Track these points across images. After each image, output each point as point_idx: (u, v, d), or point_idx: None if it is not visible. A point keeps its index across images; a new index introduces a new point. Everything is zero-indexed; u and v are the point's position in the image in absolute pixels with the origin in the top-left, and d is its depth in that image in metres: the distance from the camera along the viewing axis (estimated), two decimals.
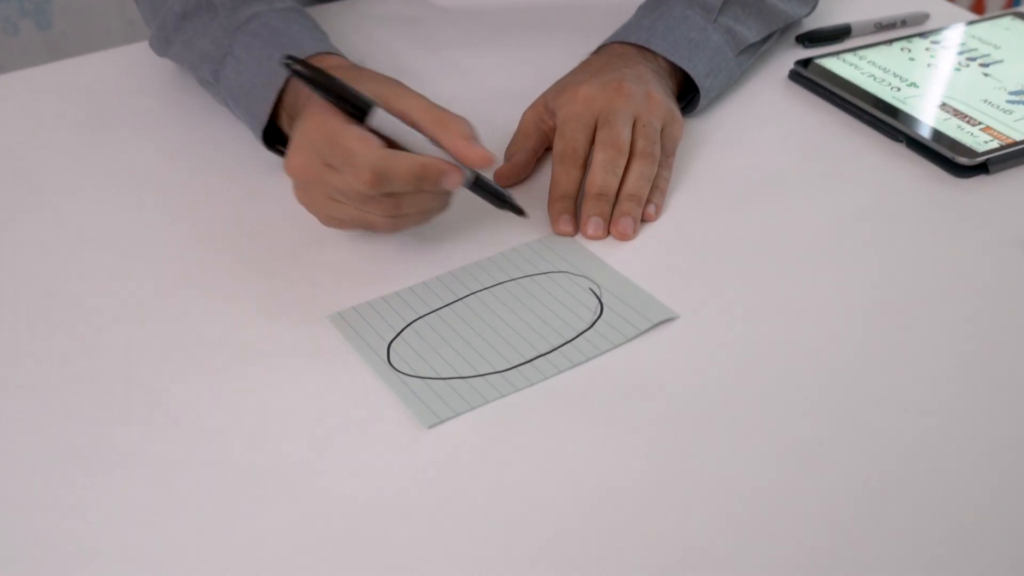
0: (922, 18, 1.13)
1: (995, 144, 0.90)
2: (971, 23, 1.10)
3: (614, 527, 0.61)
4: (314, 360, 0.73)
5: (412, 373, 0.71)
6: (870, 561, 0.59)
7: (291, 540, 0.61)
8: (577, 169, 0.84)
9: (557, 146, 0.85)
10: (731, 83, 0.99)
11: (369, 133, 0.72)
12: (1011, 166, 0.90)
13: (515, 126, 0.92)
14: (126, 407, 0.69)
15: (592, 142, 0.85)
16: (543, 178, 0.88)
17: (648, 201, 0.84)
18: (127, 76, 1.04)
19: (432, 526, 0.62)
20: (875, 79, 0.99)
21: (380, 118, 0.73)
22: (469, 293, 0.78)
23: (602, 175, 0.82)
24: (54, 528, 0.62)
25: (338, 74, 0.75)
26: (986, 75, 1.00)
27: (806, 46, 1.08)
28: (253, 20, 0.88)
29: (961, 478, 0.64)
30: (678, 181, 0.89)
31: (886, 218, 0.85)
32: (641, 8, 0.98)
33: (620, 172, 0.83)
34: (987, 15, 1.13)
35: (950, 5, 1.17)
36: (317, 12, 1.11)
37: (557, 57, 0.98)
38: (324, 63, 0.82)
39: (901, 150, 0.93)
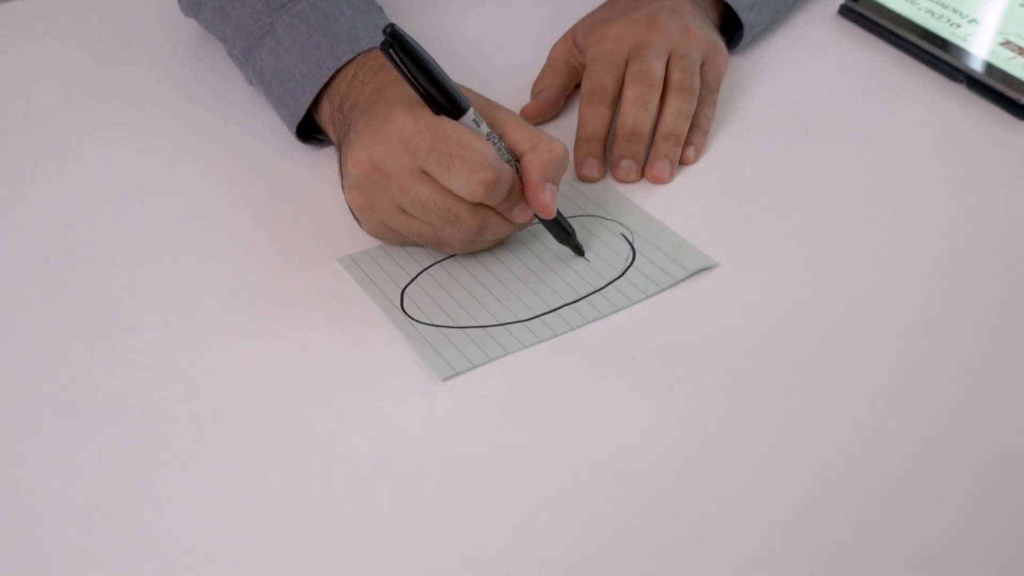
0: None
1: None
2: None
3: (645, 493, 0.56)
4: (321, 306, 0.67)
5: (427, 321, 0.66)
6: (924, 529, 0.54)
7: (292, 501, 0.56)
8: (606, 108, 0.78)
9: (585, 85, 0.79)
10: (777, 18, 0.92)
11: (481, 134, 0.63)
12: None
13: (523, 63, 0.85)
14: (118, 352, 0.65)
15: (623, 82, 0.78)
16: (573, 118, 0.82)
17: (687, 142, 0.78)
18: (137, 5, 0.99)
19: (446, 489, 0.56)
20: (932, 14, 0.92)
21: (472, 120, 0.64)
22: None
23: (633, 112, 0.76)
24: (43, 483, 0.57)
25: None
26: None
27: None
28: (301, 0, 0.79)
29: None
30: (721, 121, 0.82)
31: (943, 164, 0.79)
32: None
33: (653, 108, 0.76)
34: None
35: None
36: None
37: None
38: (380, 61, 0.72)
39: (960, 91, 0.86)
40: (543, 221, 0.67)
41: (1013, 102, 0.82)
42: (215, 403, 0.61)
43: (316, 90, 0.74)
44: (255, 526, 0.55)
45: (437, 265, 0.70)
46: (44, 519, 0.55)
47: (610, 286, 0.68)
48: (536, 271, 0.69)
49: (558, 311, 0.66)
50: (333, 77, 0.74)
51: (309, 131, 0.78)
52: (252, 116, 0.84)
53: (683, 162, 0.78)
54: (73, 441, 0.59)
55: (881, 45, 0.92)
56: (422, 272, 0.69)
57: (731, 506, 0.55)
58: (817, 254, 0.70)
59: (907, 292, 0.67)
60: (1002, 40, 0.89)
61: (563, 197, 0.75)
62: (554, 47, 0.85)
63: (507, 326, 0.65)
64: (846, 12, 0.95)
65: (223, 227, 0.74)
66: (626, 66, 0.78)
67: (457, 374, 0.62)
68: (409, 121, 0.62)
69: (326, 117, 0.75)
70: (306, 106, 0.75)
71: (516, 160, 0.65)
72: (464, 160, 0.61)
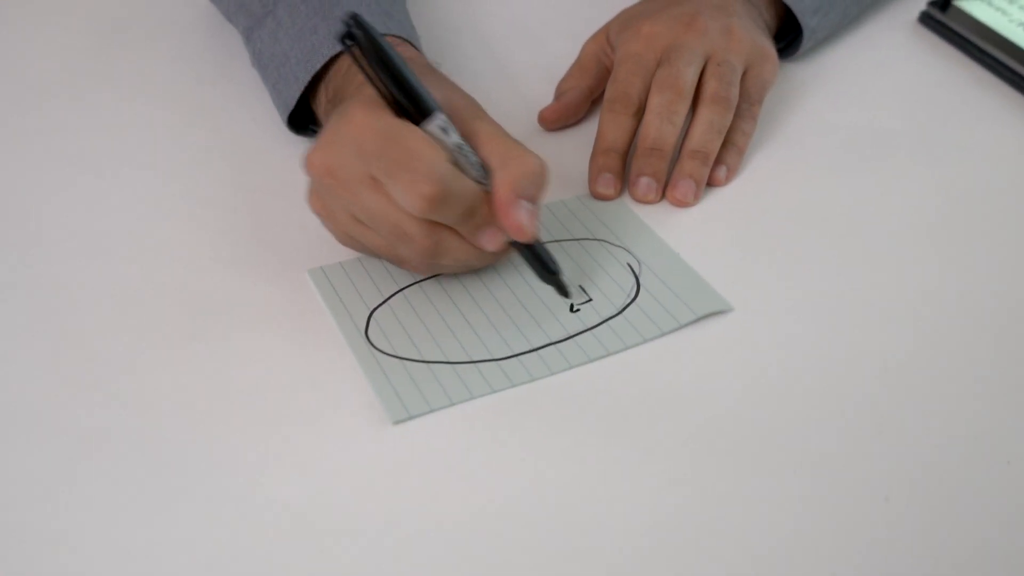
0: None
1: None
2: None
3: None
4: (278, 322, 0.60)
5: (391, 352, 0.58)
6: None
7: (206, 546, 0.49)
8: (628, 117, 0.69)
9: (608, 90, 0.70)
10: (846, 23, 0.82)
11: (436, 140, 0.55)
12: None
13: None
14: (46, 355, 0.58)
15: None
16: (595, 125, 0.73)
17: (719, 160, 0.69)
18: None
19: (370, 555, 0.49)
20: None
21: (440, 127, 0.55)
22: None
23: (656, 123, 0.67)
24: None
25: None
26: None
27: None
28: None
29: None
30: (762, 138, 0.73)
31: (1020, 206, 0.68)
32: None
33: (679, 121, 0.67)
34: None
35: None
36: None
37: None
38: None
39: None
40: (521, 252, 0.59)
41: None
42: (134, 424, 0.54)
43: (308, 78, 0.67)
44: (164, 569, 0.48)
45: (415, 286, 0.62)
46: None
47: (604, 325, 0.59)
48: (524, 301, 0.61)
49: (539, 351, 0.58)
50: (329, 65, 0.67)
51: (308, 121, 0.71)
52: (254, 101, 0.77)
53: (712, 183, 0.69)
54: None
55: (964, 60, 0.81)
56: (396, 293, 0.61)
57: None
58: (850, 306, 0.61)
59: (950, 362, 0.57)
60: None
61: (571, 215, 0.67)
62: (586, 44, 0.76)
63: (478, 364, 0.57)
64: (927, 20, 0.84)
65: (194, 222, 0.67)
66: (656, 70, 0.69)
67: (411, 418, 0.55)
68: (364, 122, 0.54)
69: (322, 109, 0.68)
70: (297, 95, 0.67)
71: (490, 178, 0.57)
72: (409, 169, 0.53)
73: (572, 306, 0.60)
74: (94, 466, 0.52)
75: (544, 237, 0.65)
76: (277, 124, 0.72)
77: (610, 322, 0.59)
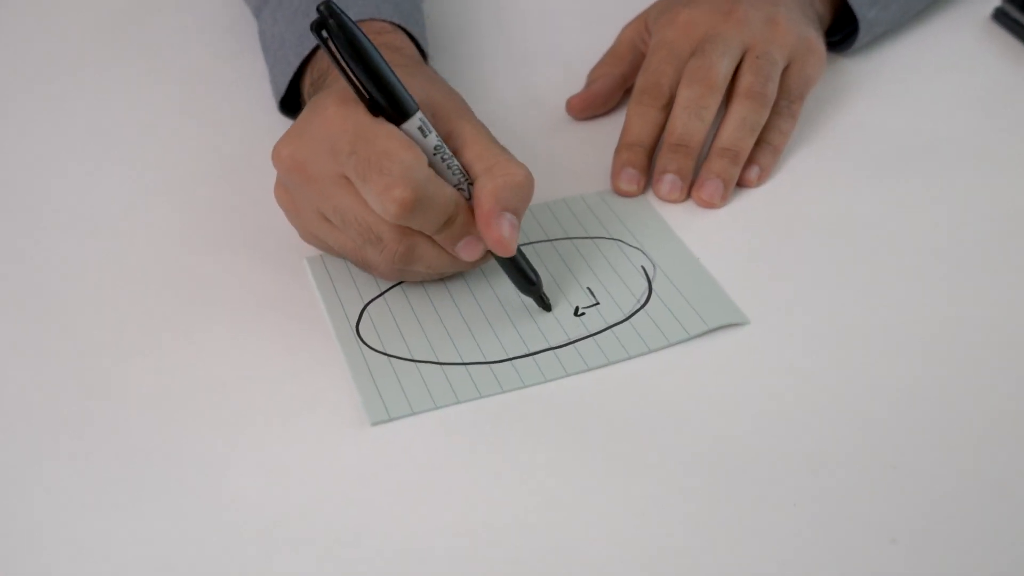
0: None
1: None
2: None
3: None
4: (269, 310, 0.57)
5: (379, 349, 0.55)
6: None
7: (165, 543, 0.47)
8: (657, 110, 0.64)
9: (638, 80, 0.66)
10: (909, 17, 0.76)
11: (413, 142, 0.51)
12: None
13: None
14: (24, 332, 0.56)
15: None
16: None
17: (751, 160, 0.64)
18: None
19: (332, 560, 0.46)
20: None
21: (418, 128, 0.52)
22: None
23: (683, 118, 0.63)
24: None
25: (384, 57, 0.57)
26: None
27: None
28: None
29: None
30: (803, 139, 0.68)
31: None
32: None
33: (708, 116, 0.63)
34: None
35: None
36: None
37: None
38: (376, 40, 0.61)
39: None
40: (500, 262, 0.55)
41: None
42: (104, 411, 0.52)
43: (297, 62, 0.64)
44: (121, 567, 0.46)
45: (414, 282, 0.59)
46: None
47: (608, 331, 0.55)
48: (527, 302, 0.57)
49: (535, 356, 0.54)
50: (317, 48, 0.64)
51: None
52: (263, 81, 0.74)
53: (743, 184, 0.64)
54: None
55: None
56: (394, 287, 0.58)
57: None
58: (878, 331, 0.55)
59: (979, 400, 0.52)
60: None
61: (588, 211, 0.63)
62: (624, 29, 0.72)
63: (469, 367, 0.54)
64: (1002, 18, 0.78)
65: (194, 204, 0.64)
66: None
67: (391, 420, 0.52)
68: (337, 117, 0.51)
69: (306, 94, 0.65)
70: (287, 79, 0.64)
71: (470, 184, 0.53)
72: (382, 171, 0.49)
73: (577, 309, 0.57)
74: (58, 452, 0.51)
75: (556, 233, 0.61)
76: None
77: (615, 329, 0.56)
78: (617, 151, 0.65)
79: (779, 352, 0.54)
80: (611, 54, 0.71)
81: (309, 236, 0.57)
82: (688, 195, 0.63)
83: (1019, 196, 0.64)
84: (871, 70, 0.74)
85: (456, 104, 0.54)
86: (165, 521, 0.48)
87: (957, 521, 0.47)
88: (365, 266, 0.56)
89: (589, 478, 0.49)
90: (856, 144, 0.68)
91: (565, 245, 0.61)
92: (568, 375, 0.53)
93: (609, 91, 0.70)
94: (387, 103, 0.50)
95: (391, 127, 0.50)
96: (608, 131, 0.68)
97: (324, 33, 0.49)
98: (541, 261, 0.59)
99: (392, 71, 0.50)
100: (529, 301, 0.57)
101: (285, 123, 0.68)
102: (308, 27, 0.61)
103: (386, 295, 0.58)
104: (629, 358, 0.54)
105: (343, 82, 0.51)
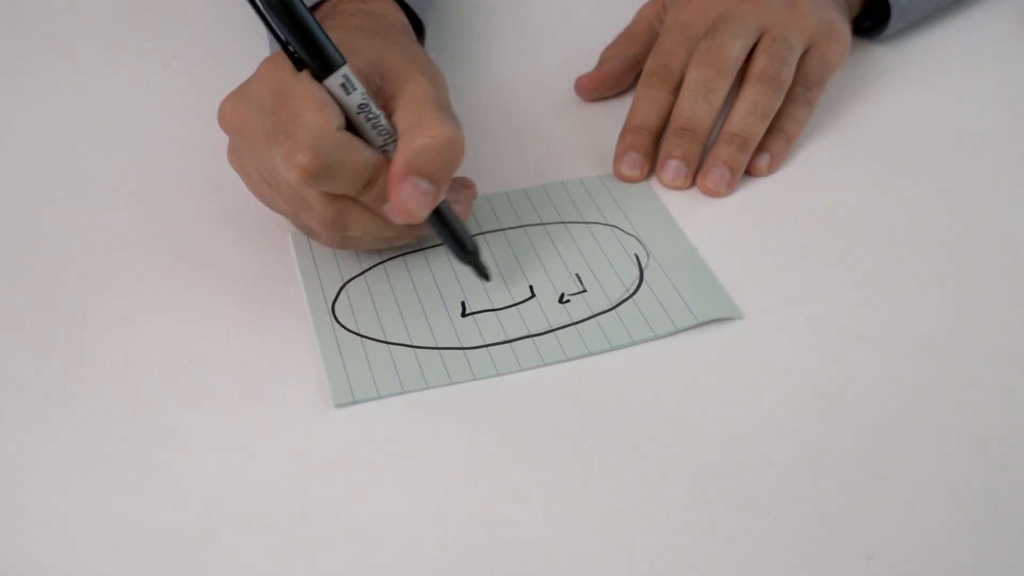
0: None
1: None
2: None
3: None
4: (248, 284, 0.56)
5: (352, 328, 0.53)
6: None
7: (115, 516, 0.45)
8: (665, 93, 0.61)
9: (648, 62, 0.63)
10: (944, 5, 0.72)
11: (333, 101, 0.48)
12: None
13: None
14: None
15: None
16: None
17: (762, 147, 0.61)
18: None
19: (282, 541, 0.44)
20: None
21: (340, 85, 0.48)
22: (477, 232, 0.58)
23: (690, 101, 0.60)
24: None
25: (348, 20, 0.54)
26: None
27: None
28: None
29: None
30: (820, 128, 0.64)
31: None
32: None
33: (716, 100, 0.60)
34: None
35: None
36: None
37: None
38: (359, 7, 0.58)
39: None
40: (432, 227, 0.52)
41: None
42: (65, 377, 0.51)
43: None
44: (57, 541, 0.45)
45: (398, 258, 0.57)
46: None
47: (592, 320, 0.53)
48: (510, 286, 0.55)
49: (512, 343, 0.52)
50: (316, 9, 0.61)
51: None
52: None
53: (752, 172, 0.61)
54: None
55: None
56: (377, 264, 0.56)
57: None
58: (880, 334, 0.52)
59: (983, 416, 0.48)
60: None
61: (586, 195, 0.60)
62: (642, 8, 0.69)
63: (442, 351, 0.52)
64: None
65: (189, 173, 0.63)
66: None
67: (356, 402, 0.50)
68: (266, 75, 0.49)
69: None
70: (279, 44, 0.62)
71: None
72: (288, 134, 0.47)
73: (562, 296, 0.54)
74: (18, 418, 0.49)
75: (549, 217, 0.59)
76: None
77: (599, 318, 0.53)
78: (622, 135, 0.62)
79: (771, 350, 0.51)
80: (626, 34, 0.69)
81: (260, 198, 0.55)
82: (693, 182, 0.60)
83: None
84: (901, 59, 0.70)
85: (410, 67, 0.51)
86: (117, 492, 0.46)
87: (941, 539, 0.43)
88: (308, 232, 0.54)
89: (556, 473, 0.46)
90: (878, 136, 0.64)
91: (558, 229, 0.58)
92: (545, 364, 0.51)
93: (620, 72, 0.67)
94: (308, 56, 0.47)
95: (311, 85, 0.48)
96: (617, 114, 0.65)
97: None
98: (531, 244, 0.57)
99: (317, 23, 0.47)
100: (522, 283, 0.54)
101: None
102: None
103: (367, 274, 0.56)
104: (611, 349, 0.52)
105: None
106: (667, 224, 0.58)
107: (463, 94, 0.67)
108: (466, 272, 0.55)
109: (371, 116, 0.49)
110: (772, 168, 0.61)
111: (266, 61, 0.49)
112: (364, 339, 0.52)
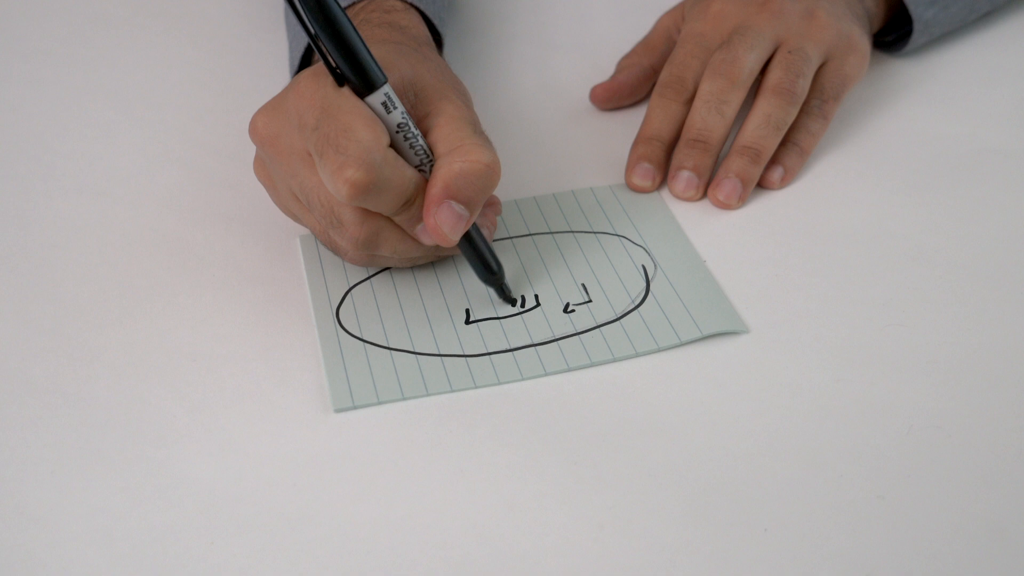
0: None
1: None
2: None
3: None
4: (253, 286, 0.56)
5: (356, 333, 0.53)
6: None
7: (111, 516, 0.45)
8: (679, 104, 0.61)
9: (663, 73, 0.63)
10: (972, 19, 0.71)
11: (378, 119, 0.48)
12: None
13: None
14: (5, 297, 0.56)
15: None
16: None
17: (775, 161, 0.60)
18: None
19: (271, 546, 0.44)
20: None
21: (381, 104, 0.48)
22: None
23: (703, 113, 0.59)
24: None
25: (375, 32, 0.54)
26: None
27: None
28: None
29: None
30: (834, 142, 0.64)
31: None
32: None
33: (729, 111, 0.59)
34: None
35: None
36: None
37: None
38: (383, 18, 0.58)
39: None
40: (460, 246, 0.52)
41: None
42: (68, 375, 0.51)
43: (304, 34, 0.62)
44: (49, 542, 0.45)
45: (404, 267, 0.56)
46: None
47: (596, 331, 0.52)
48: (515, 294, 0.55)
49: (515, 352, 0.52)
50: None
51: None
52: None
53: (764, 185, 0.60)
54: None
55: None
56: (382, 271, 0.56)
57: None
58: (888, 354, 0.51)
59: (994, 441, 0.48)
60: None
61: (596, 204, 0.60)
62: (661, 18, 0.69)
63: (444, 359, 0.51)
64: None
65: (200, 172, 0.63)
66: None
67: (355, 407, 0.49)
68: (308, 90, 0.48)
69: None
70: (300, 52, 0.62)
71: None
72: (339, 149, 0.46)
73: (567, 306, 0.54)
74: (21, 415, 0.50)
75: (558, 226, 0.58)
76: None
77: (603, 328, 0.53)
78: (634, 145, 0.61)
79: (776, 365, 0.51)
80: (644, 43, 0.68)
81: (287, 212, 0.55)
82: (704, 194, 0.60)
83: None
84: (923, 73, 0.69)
85: (444, 85, 0.51)
86: (115, 491, 0.46)
87: (938, 563, 0.43)
88: (334, 249, 0.54)
89: (553, 484, 0.46)
90: (895, 151, 0.63)
91: (566, 238, 0.58)
92: (547, 374, 0.51)
93: (636, 82, 0.66)
94: (352, 73, 0.47)
95: (357, 102, 0.48)
96: (631, 123, 0.65)
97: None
98: (539, 253, 0.57)
99: (361, 40, 0.47)
100: (527, 291, 0.54)
101: None
102: None
103: (373, 280, 0.56)
104: (614, 360, 0.51)
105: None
106: (676, 236, 0.58)
107: (477, 101, 0.66)
108: (471, 279, 0.55)
109: (409, 135, 0.49)
110: (785, 182, 0.60)
111: (304, 76, 0.49)
112: (367, 344, 0.52)
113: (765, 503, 0.45)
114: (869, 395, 0.49)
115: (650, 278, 0.55)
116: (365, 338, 0.53)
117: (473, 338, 0.52)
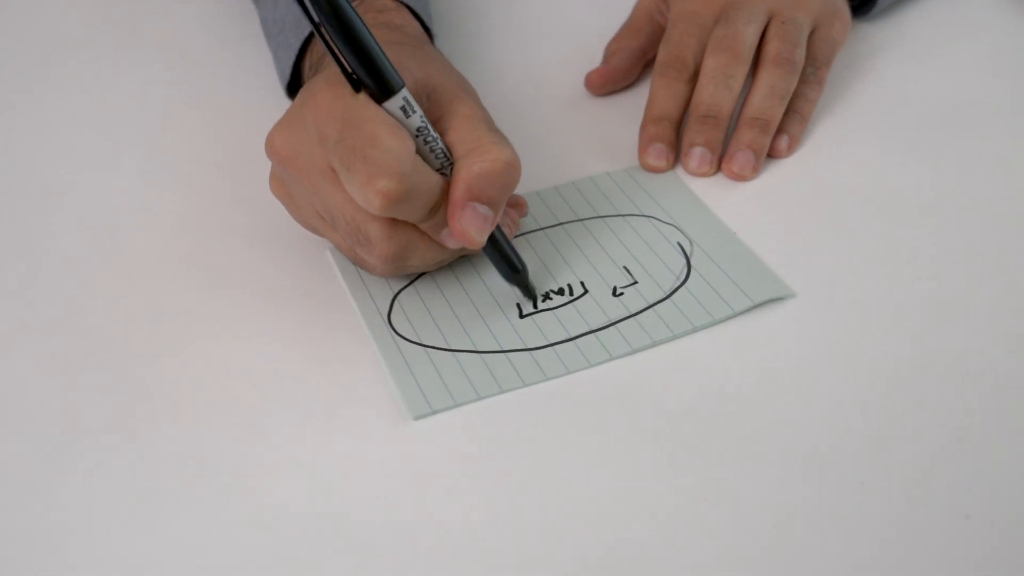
0: None
1: None
2: None
3: None
4: (294, 303, 0.55)
5: (415, 339, 0.53)
6: None
7: (198, 550, 0.44)
8: (682, 83, 0.62)
9: (660, 53, 0.64)
10: None
11: (401, 126, 0.47)
12: None
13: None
14: (46, 335, 0.54)
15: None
16: (647, 90, 0.66)
17: (780, 129, 0.62)
18: None
19: (383, 561, 0.44)
20: None
21: (400, 108, 0.47)
22: (518, 233, 0.58)
23: (710, 89, 0.61)
24: None
25: (375, 33, 0.54)
26: None
27: None
28: None
29: None
30: (829, 105, 0.66)
31: None
32: None
33: (736, 85, 0.61)
34: None
35: None
36: None
37: None
38: (377, 18, 0.58)
39: None
40: (488, 252, 0.52)
41: None
42: (128, 412, 0.50)
43: (298, 44, 0.61)
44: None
45: (444, 267, 0.56)
46: None
47: (650, 310, 0.53)
48: (562, 283, 0.55)
49: (576, 340, 0.52)
50: None
51: None
52: None
53: (773, 154, 0.62)
54: None
55: None
56: (423, 274, 0.56)
57: None
58: (926, 300, 0.54)
59: None
60: None
61: (617, 188, 0.61)
62: (639, 1, 0.70)
63: (509, 354, 0.52)
64: None
65: (213, 191, 0.62)
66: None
67: (433, 413, 0.49)
68: (325, 101, 0.47)
69: (305, 79, 0.62)
70: (290, 63, 0.62)
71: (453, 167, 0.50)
72: (367, 160, 0.45)
73: (615, 289, 0.55)
74: (85, 459, 0.48)
75: (585, 212, 0.59)
76: None
77: (656, 307, 0.54)
78: (643, 126, 0.62)
79: (834, 325, 0.52)
80: (628, 27, 0.69)
81: (309, 229, 0.54)
82: (718, 168, 0.61)
83: None
84: (893, 31, 0.72)
85: (455, 85, 0.51)
86: (197, 527, 0.45)
87: None
88: (361, 265, 0.53)
89: (646, 465, 0.47)
90: (882, 110, 0.66)
91: (596, 224, 0.59)
92: (612, 359, 0.51)
93: (628, 65, 0.67)
94: (370, 78, 0.46)
95: (378, 109, 0.46)
96: (628, 106, 0.66)
97: (306, 1, 0.45)
98: (573, 241, 0.57)
99: (377, 44, 0.46)
100: (571, 279, 0.55)
101: None
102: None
103: (416, 284, 0.56)
104: (674, 337, 0.52)
105: (334, 66, 0.48)
106: (701, 211, 0.59)
107: None
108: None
109: (429, 139, 0.48)
110: (791, 149, 0.62)
111: (319, 86, 0.48)
112: (428, 348, 0.52)
113: (857, 458, 0.47)
114: (925, 345, 0.51)
115: (688, 254, 0.56)
116: (424, 343, 0.53)
117: (531, 331, 0.53)
